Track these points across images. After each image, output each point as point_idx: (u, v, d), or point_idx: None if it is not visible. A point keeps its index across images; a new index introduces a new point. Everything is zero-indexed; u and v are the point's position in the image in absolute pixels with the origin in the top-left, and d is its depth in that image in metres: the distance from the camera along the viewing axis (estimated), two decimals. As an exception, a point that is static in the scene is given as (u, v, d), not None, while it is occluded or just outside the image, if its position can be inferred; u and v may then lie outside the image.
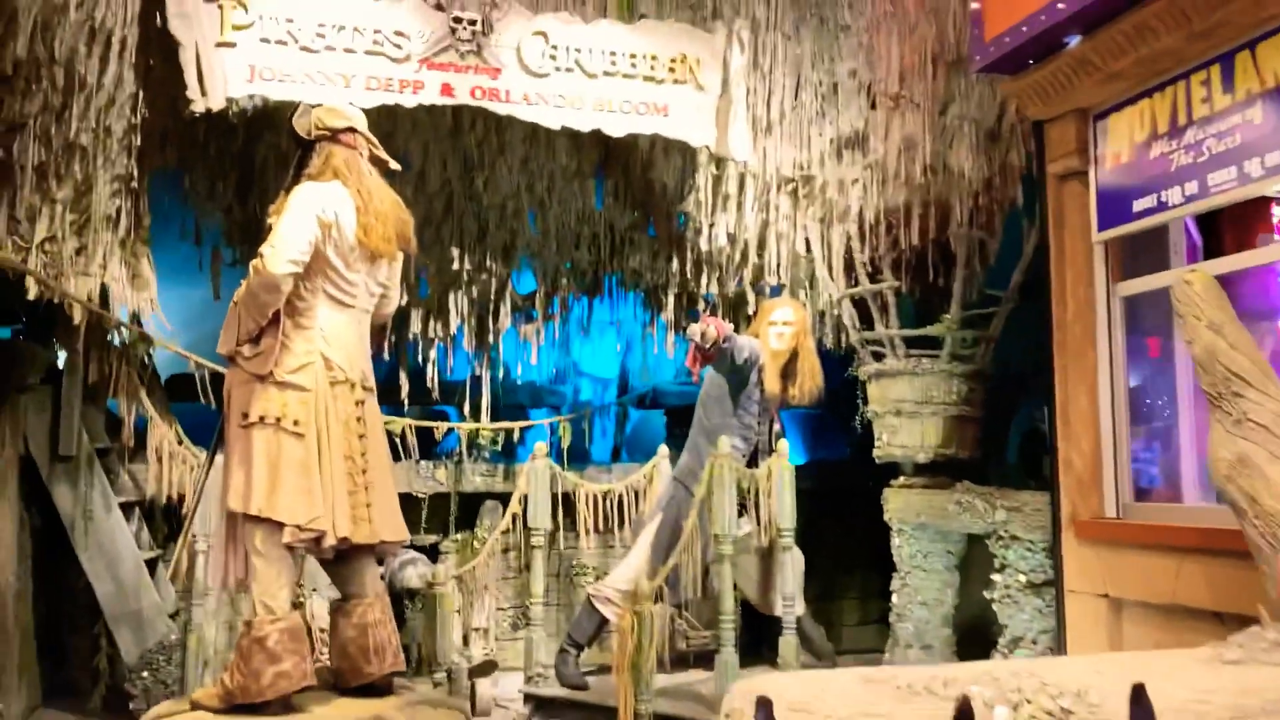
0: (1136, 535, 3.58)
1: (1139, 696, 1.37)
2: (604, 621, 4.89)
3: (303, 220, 3.38)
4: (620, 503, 5.72)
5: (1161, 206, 3.53)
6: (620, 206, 6.22)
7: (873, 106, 5.68)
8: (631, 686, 4.15)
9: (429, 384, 6.39)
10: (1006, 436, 7.19)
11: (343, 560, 3.62)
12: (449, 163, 5.95)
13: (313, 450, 3.37)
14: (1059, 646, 3.93)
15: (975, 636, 5.59)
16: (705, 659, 4.91)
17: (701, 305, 6.29)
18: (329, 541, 3.37)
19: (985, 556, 5.70)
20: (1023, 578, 4.32)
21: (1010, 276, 5.40)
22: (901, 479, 5.38)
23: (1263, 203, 4.06)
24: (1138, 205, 3.63)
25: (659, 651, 4.41)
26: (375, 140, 3.75)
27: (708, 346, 4.77)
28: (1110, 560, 3.69)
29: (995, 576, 4.49)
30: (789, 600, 4.77)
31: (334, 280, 3.50)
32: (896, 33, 5.57)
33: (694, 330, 4.75)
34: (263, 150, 5.83)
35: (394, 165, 3.86)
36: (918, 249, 5.78)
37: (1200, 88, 3.36)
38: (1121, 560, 3.64)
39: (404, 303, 5.83)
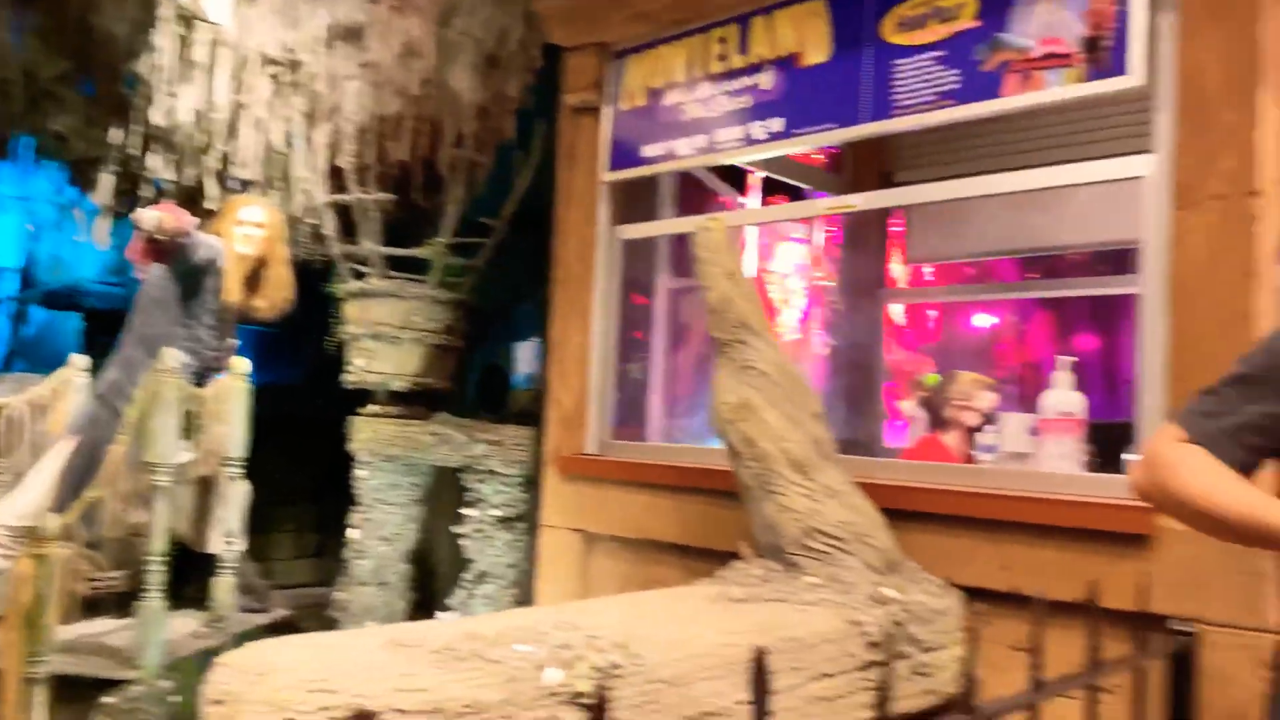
0: (614, 472, 3.67)
1: (759, 666, 1.24)
2: (-17, 565, 3.94)
3: None
4: (16, 422, 4.64)
5: (670, 155, 3.61)
6: (47, 50, 4.91)
7: (374, 0, 5.19)
8: (25, 646, 3.34)
9: None
10: (466, 370, 7.23)
11: None
12: None
13: None
14: (527, 581, 3.93)
15: (426, 570, 5.51)
16: (111, 604, 4.16)
17: (150, 190, 5.27)
18: None
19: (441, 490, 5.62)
20: (496, 512, 4.26)
21: (496, 207, 5.32)
22: (372, 407, 5.04)
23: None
24: (647, 151, 3.69)
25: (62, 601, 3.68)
26: None
27: (161, 239, 4.00)
28: (588, 496, 3.75)
29: (468, 511, 4.38)
30: (231, 537, 4.25)
31: None
32: (408, -79, 5.13)
33: (145, 217, 3.94)
34: None
35: None
36: (405, 165, 5.45)
37: (718, 44, 3.48)
38: (598, 496, 3.72)
39: None
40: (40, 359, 6.89)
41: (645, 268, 4.18)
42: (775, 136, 3.30)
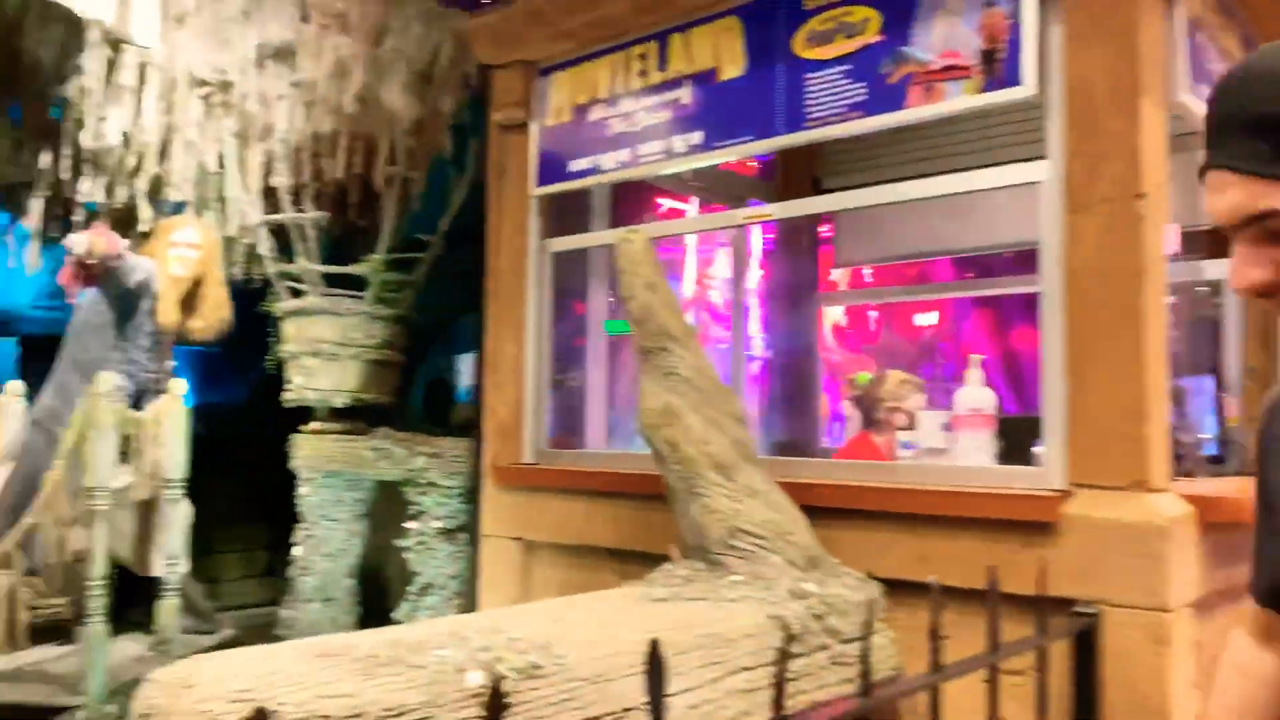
0: (551, 480, 3.74)
1: (654, 657, 1.31)
2: (-87, 595, 3.92)
3: None
4: (-48, 449, 4.58)
5: (595, 170, 3.69)
6: (-29, 77, 4.89)
7: (305, 19, 5.21)
8: (-33, 676, 3.34)
9: None
10: (412, 384, 7.26)
11: None
12: None
13: None
14: (471, 590, 3.98)
15: (372, 585, 5.53)
16: (56, 632, 4.17)
17: (81, 214, 5.25)
18: None
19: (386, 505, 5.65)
20: (438, 524, 4.31)
21: (433, 223, 5.37)
22: (314, 424, 5.06)
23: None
24: (574, 165, 3.77)
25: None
26: None
27: (92, 263, 4.01)
28: (526, 505, 3.82)
29: (410, 524, 4.42)
30: (173, 559, 4.26)
31: None
32: (338, -56, 5.17)
33: (77, 242, 3.95)
34: None
35: None
36: (339, 183, 5.49)
37: (639, 60, 3.57)
38: (536, 504, 3.78)
39: None
40: (-27, 386, 6.80)
41: (582, 278, 4.26)
42: (695, 149, 3.40)
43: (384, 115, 5.33)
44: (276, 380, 5.18)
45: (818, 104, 3.09)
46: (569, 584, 3.62)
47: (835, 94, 3.05)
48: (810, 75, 3.11)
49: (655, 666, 1.29)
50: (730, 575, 2.56)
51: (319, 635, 4.84)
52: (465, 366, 6.13)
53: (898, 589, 2.71)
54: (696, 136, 3.40)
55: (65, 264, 4.18)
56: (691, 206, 5.36)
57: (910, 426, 4.18)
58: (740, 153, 3.35)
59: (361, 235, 5.70)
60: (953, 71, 2.81)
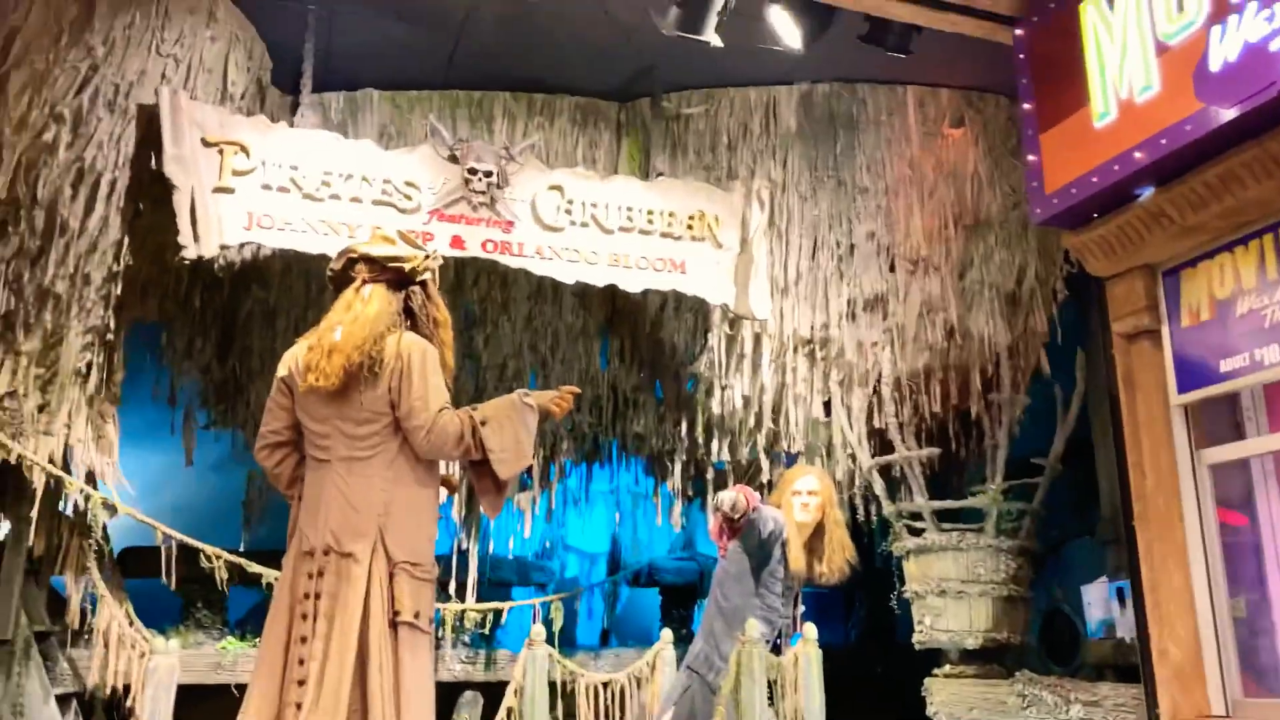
0: (1261, 737, 3.13)
1: None
2: (612, 834, 4.30)
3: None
4: (621, 694, 5.14)
5: (1256, 365, 3.27)
6: (626, 367, 5.88)
7: (891, 269, 5.54)
8: None
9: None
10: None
11: None
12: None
13: (264, 638, 2.82)
14: None
15: None
16: None
17: (711, 473, 5.90)
18: None
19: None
20: (1108, 784, 3.81)
21: (1033, 445, 5.14)
22: (947, 667, 4.88)
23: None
24: (1225, 365, 3.38)
25: None
26: (383, 258, 2.85)
27: (737, 517, 4.37)
28: (1229, 766, 3.23)
29: (1075, 783, 3.97)
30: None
31: (309, 438, 2.92)
32: (915, 196, 5.49)
33: (723, 499, 4.34)
34: (248, 305, 5.46)
35: (416, 265, 2.87)
36: (938, 416, 5.53)
37: (1293, 240, 3.18)
38: (1244, 767, 3.18)
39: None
40: (628, 633, 7.70)
41: (1237, 488, 3.71)
42: (1396, 325, 2.86)
43: (975, 344, 5.35)
44: (878, 619, 5.14)
45: None
46: None
47: None
48: None
49: None
50: None
51: None
52: (1092, 596, 5.56)
53: None
54: (1393, 310, 2.87)
55: (712, 520, 4.62)
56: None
57: None
58: None
59: (963, 466, 5.64)
60: None
